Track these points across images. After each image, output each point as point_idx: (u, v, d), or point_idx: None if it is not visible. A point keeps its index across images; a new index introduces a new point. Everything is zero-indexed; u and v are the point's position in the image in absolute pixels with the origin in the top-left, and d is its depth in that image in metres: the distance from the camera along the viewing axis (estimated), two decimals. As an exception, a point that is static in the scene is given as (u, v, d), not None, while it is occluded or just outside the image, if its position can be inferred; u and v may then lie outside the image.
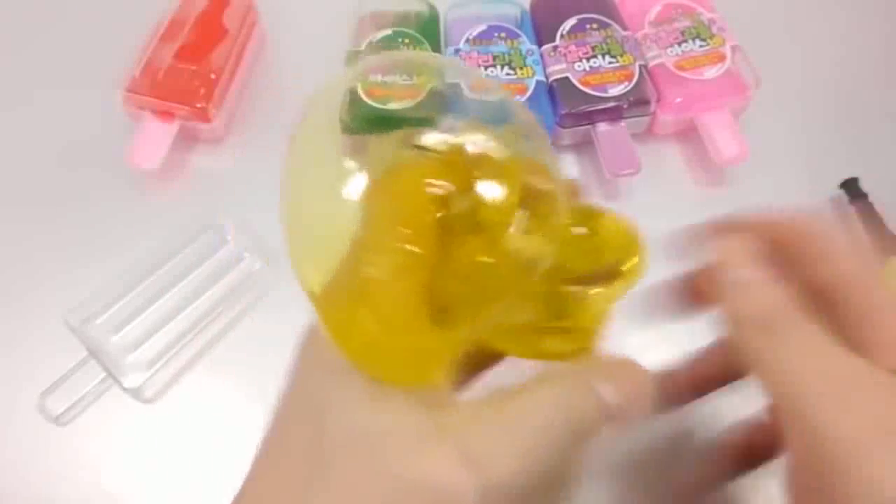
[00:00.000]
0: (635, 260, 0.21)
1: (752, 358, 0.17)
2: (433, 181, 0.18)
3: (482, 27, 0.49)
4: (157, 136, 0.45)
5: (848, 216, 0.45)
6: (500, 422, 0.17)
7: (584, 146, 0.47)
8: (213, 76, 0.46)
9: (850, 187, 0.45)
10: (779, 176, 0.47)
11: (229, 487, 0.37)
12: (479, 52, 0.48)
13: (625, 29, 0.49)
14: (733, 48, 0.48)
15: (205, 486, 0.37)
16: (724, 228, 0.22)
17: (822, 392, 0.15)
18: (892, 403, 0.15)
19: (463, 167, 0.19)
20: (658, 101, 0.46)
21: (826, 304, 0.17)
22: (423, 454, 0.16)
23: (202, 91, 0.45)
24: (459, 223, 0.18)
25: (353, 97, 0.45)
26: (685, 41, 0.48)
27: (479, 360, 0.23)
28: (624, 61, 0.47)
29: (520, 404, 0.17)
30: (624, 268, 0.21)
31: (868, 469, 0.14)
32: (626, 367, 0.19)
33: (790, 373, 0.16)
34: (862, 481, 0.14)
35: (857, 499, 0.14)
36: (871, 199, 0.44)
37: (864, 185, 0.45)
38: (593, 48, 0.47)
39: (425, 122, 0.20)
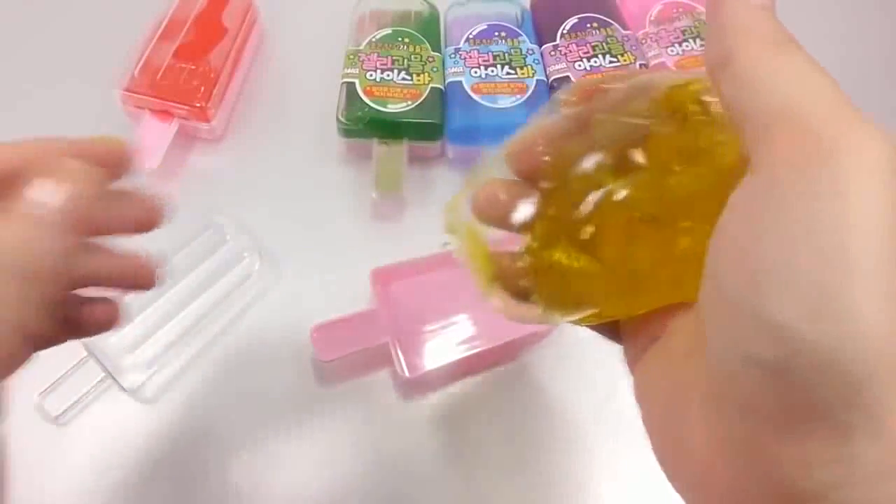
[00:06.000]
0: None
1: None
2: None
3: (482, 26, 0.49)
4: (156, 135, 0.45)
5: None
6: None
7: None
8: (212, 75, 0.46)
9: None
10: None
11: (228, 487, 0.36)
12: (479, 52, 0.47)
13: (625, 28, 0.49)
14: (734, 47, 0.47)
15: (205, 485, 0.37)
16: None
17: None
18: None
19: None
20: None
21: None
22: None
23: (201, 90, 0.45)
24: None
25: (352, 97, 0.44)
26: (685, 40, 0.48)
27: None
28: (625, 60, 0.47)
29: None
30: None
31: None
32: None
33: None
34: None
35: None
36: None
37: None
38: (594, 47, 0.47)
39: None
